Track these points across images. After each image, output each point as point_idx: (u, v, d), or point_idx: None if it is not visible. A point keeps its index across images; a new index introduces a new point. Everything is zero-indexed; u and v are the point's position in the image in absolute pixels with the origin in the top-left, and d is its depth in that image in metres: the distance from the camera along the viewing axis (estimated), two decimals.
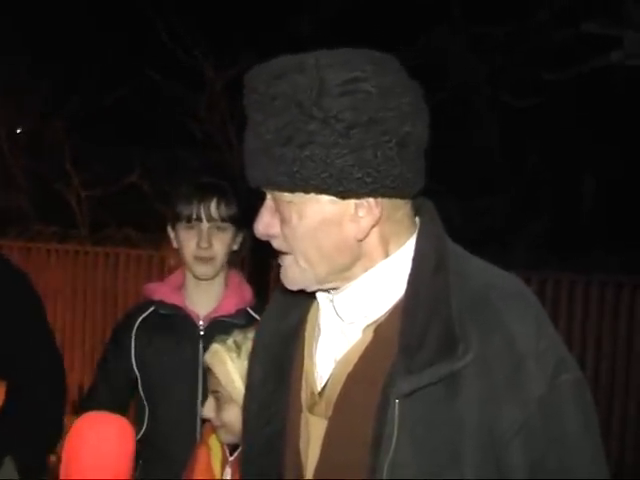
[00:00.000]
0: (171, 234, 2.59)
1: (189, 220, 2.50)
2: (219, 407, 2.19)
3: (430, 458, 1.30)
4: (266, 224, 1.41)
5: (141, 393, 2.55)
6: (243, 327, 2.42)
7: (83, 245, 8.44)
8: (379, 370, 1.36)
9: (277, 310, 1.61)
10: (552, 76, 7.64)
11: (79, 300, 7.83)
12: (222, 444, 2.26)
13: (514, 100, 8.34)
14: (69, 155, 9.68)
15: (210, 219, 2.50)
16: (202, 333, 2.54)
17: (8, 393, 2.36)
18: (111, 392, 2.57)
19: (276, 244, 1.42)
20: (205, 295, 2.59)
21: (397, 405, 1.29)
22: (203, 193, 2.51)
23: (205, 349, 2.46)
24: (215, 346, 2.23)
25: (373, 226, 1.37)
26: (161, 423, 2.52)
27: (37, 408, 2.39)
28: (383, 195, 1.35)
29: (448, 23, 8.79)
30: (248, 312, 2.58)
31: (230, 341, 2.22)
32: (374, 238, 1.39)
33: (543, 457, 1.30)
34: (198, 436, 2.44)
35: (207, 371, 2.26)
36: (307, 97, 1.29)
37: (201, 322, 2.56)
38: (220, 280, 2.61)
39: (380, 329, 1.40)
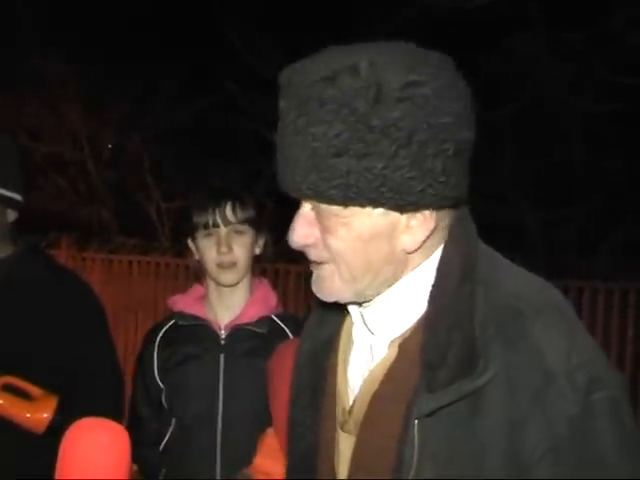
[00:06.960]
0: (192, 246, 2.57)
1: (207, 227, 2.49)
2: None
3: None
4: (303, 235, 1.31)
5: (164, 404, 2.54)
6: (265, 335, 2.45)
7: (164, 257, 8.56)
8: (404, 388, 1.30)
9: (316, 321, 1.55)
10: (631, 81, 7.43)
11: (160, 311, 7.87)
12: None
13: (594, 106, 8.12)
14: (149, 168, 9.86)
15: (227, 223, 2.48)
16: (223, 342, 2.52)
17: (62, 408, 2.34)
18: (152, 408, 2.57)
19: (314, 254, 1.32)
20: (228, 303, 2.57)
21: (416, 426, 1.24)
22: (217, 199, 2.50)
23: (226, 358, 2.47)
24: None
25: (426, 238, 1.29)
26: (182, 432, 2.51)
27: None
28: (441, 207, 1.27)
29: (528, 29, 8.62)
30: (272, 319, 2.56)
31: None
32: (422, 249, 1.32)
33: None
34: (219, 444, 2.43)
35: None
36: (363, 104, 1.17)
37: (222, 331, 2.54)
38: (243, 287, 2.58)
39: (405, 344, 1.34)
